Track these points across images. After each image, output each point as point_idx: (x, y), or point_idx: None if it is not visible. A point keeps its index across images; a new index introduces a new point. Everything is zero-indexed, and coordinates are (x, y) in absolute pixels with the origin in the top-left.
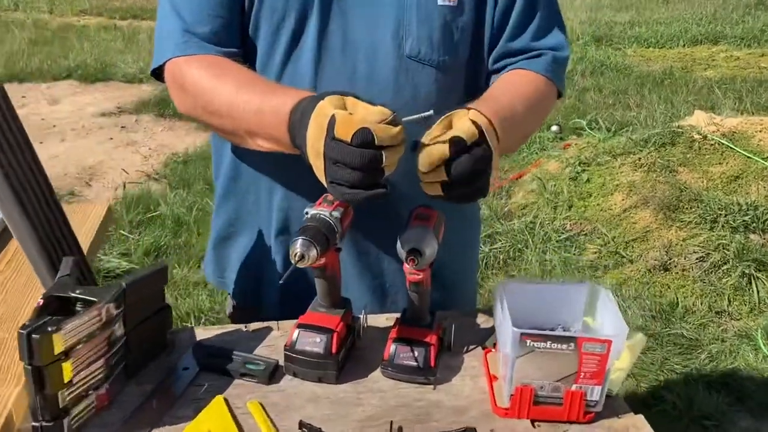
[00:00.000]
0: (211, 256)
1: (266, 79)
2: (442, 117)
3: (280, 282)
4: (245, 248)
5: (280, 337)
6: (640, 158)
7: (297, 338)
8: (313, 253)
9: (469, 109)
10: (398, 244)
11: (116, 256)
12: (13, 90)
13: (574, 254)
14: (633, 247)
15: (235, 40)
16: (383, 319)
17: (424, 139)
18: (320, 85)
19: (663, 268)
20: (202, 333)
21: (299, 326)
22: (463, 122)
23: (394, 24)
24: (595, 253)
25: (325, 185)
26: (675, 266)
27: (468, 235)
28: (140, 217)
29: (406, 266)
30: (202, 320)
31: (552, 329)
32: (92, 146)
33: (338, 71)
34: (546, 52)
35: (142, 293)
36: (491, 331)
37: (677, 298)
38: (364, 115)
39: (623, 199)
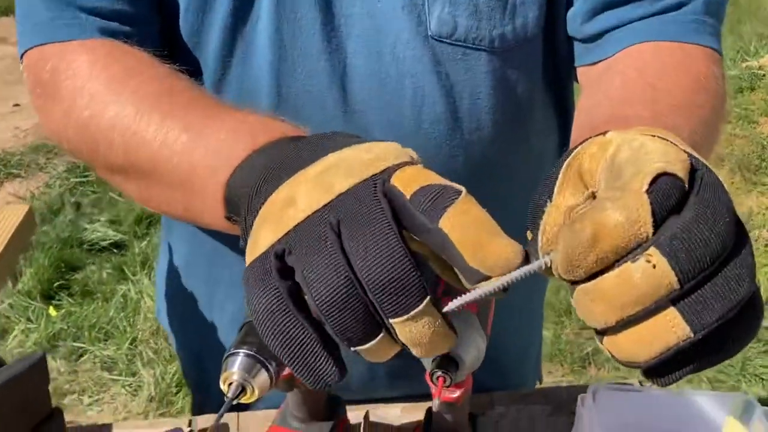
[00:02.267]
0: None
1: (192, 86)
2: (556, 169)
3: None
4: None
5: None
6: None
7: None
8: (264, 378)
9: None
10: None
11: (104, 224)
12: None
13: None
14: None
15: (149, 19)
16: (397, 410)
17: (557, 199)
18: (282, 97)
19: None
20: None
21: None
22: (647, 143)
23: None
24: None
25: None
26: (756, 240)
27: (536, 296)
28: None
29: (432, 384)
30: None
31: None
32: None
33: (311, 74)
34: None
35: (3, 408)
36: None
37: (760, 280)
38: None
39: None
